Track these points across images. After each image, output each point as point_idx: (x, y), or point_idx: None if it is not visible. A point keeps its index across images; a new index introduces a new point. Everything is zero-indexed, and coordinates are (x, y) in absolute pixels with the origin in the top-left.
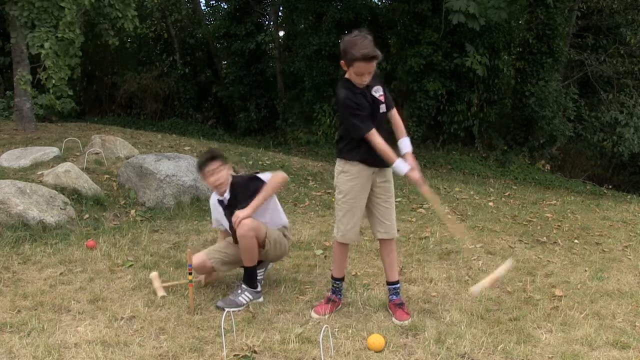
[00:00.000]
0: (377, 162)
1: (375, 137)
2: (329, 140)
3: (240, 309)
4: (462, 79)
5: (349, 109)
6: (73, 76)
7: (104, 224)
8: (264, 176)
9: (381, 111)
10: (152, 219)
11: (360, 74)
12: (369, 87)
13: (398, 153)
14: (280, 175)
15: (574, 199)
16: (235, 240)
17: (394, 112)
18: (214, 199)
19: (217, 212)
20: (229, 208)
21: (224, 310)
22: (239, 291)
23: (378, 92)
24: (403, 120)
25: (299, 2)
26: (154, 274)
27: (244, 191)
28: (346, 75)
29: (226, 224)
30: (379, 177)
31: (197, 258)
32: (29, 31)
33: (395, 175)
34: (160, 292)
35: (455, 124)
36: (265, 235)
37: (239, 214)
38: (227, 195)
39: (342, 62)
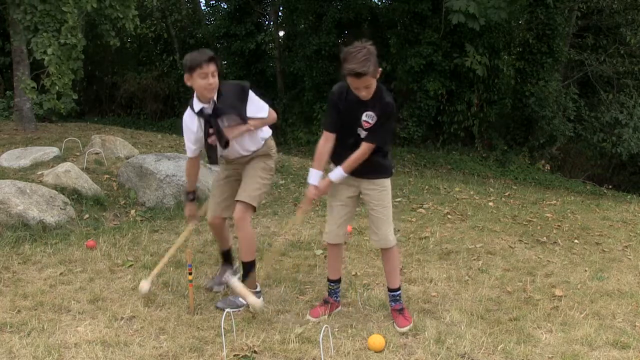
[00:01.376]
0: (354, 172)
1: (321, 139)
2: None
3: (240, 309)
4: (462, 79)
5: (328, 103)
6: (76, 78)
7: (104, 224)
8: (251, 96)
9: (362, 135)
10: (152, 219)
11: (354, 88)
12: (366, 105)
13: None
14: (274, 115)
15: (574, 199)
16: (212, 161)
17: (363, 146)
18: (189, 116)
19: (190, 132)
20: (212, 117)
21: (224, 310)
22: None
23: (368, 117)
24: (402, 120)
25: (299, 2)
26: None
27: (231, 97)
28: None
29: (200, 142)
30: (363, 184)
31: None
32: (31, 35)
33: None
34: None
35: (455, 124)
36: (253, 207)
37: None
38: (212, 104)
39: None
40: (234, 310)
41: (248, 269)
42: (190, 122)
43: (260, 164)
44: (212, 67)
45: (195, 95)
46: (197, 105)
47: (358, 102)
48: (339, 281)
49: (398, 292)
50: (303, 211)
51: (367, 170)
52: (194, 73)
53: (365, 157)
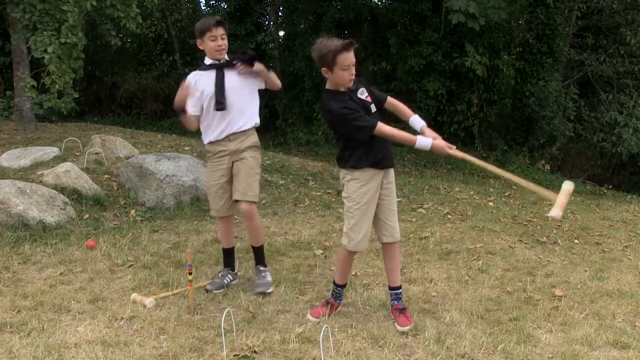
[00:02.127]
0: (387, 162)
1: (385, 128)
2: (329, 140)
3: (272, 288)
4: (462, 79)
5: (346, 116)
6: (76, 77)
7: (104, 224)
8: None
9: (373, 111)
10: (152, 219)
11: (346, 67)
12: (353, 91)
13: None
14: (279, 83)
15: (574, 199)
16: (219, 107)
17: (390, 100)
18: (194, 74)
19: (194, 88)
20: (226, 66)
21: (265, 294)
22: (263, 274)
23: (363, 94)
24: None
25: (299, 2)
26: (133, 296)
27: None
28: (327, 86)
29: (209, 90)
30: (385, 178)
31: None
32: (30, 34)
33: (421, 151)
34: (148, 300)
35: (455, 124)
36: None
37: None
38: (223, 61)
39: (323, 69)
40: (270, 290)
41: (259, 251)
42: (192, 78)
43: (253, 161)
44: (220, 30)
45: (206, 57)
46: (208, 61)
47: (350, 92)
48: (345, 285)
49: (400, 291)
50: (460, 153)
51: (391, 157)
52: (204, 37)
53: None
